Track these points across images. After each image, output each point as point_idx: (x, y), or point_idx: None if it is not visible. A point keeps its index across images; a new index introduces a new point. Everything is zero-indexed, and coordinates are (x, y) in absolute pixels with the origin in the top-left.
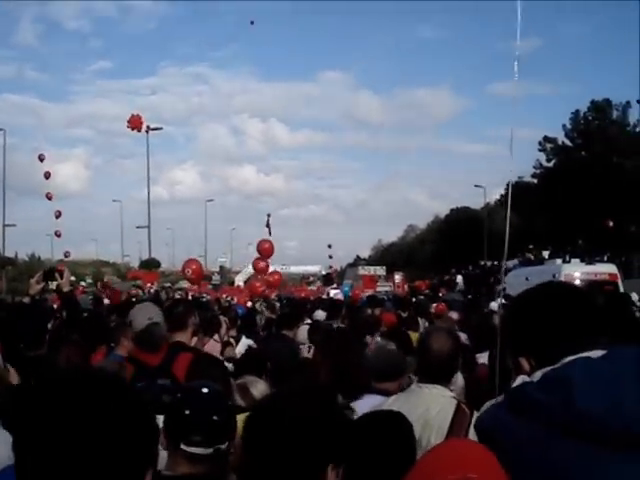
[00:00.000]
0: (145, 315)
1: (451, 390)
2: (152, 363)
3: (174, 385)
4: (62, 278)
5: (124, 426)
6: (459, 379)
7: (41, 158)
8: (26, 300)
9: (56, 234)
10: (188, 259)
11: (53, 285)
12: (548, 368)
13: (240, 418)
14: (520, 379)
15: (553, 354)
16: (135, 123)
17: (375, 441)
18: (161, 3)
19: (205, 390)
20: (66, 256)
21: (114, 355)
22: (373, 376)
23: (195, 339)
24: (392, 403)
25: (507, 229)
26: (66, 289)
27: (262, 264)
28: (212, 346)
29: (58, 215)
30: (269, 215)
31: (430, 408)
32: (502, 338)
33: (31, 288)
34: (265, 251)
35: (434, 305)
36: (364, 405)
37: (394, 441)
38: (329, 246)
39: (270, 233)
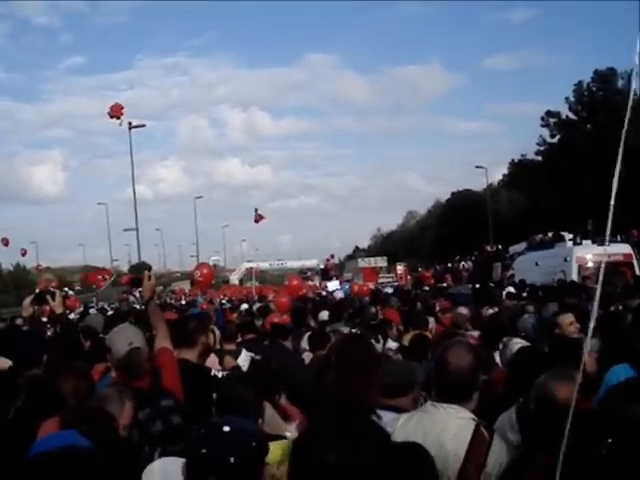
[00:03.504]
0: (125, 340)
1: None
2: (143, 386)
3: (178, 404)
4: (54, 300)
5: None
6: None
7: (4, 242)
8: (19, 322)
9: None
10: (200, 263)
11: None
12: None
13: (278, 445)
14: None
15: None
16: (116, 111)
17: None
18: None
19: (226, 428)
20: (39, 269)
21: (109, 377)
22: (383, 391)
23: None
24: (405, 423)
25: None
26: (59, 311)
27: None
28: (212, 360)
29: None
30: (256, 210)
31: (446, 430)
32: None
33: (24, 310)
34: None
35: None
36: None
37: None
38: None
39: (257, 222)
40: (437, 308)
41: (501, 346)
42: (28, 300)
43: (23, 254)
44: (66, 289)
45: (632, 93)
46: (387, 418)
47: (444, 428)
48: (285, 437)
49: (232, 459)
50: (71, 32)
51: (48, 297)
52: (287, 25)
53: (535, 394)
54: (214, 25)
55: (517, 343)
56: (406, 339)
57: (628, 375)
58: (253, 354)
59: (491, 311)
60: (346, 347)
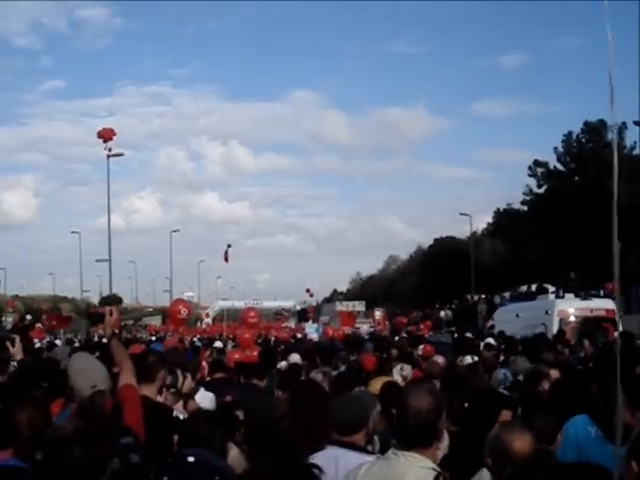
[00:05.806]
0: (88, 382)
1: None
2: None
3: (138, 443)
4: (14, 346)
5: None
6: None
7: None
8: None
9: None
10: (176, 299)
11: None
12: None
13: None
14: None
15: None
16: (106, 134)
17: None
18: (116, 18)
19: (191, 459)
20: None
21: (68, 410)
22: (337, 429)
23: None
24: (366, 472)
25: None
26: (18, 358)
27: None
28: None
29: None
30: (229, 246)
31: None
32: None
33: None
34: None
35: (421, 347)
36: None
37: None
38: (308, 291)
39: (226, 260)
40: (420, 353)
41: None
42: None
43: None
44: (29, 317)
45: None
46: (348, 458)
47: (403, 477)
48: None
49: None
50: (52, 55)
51: (8, 344)
52: (273, 60)
53: (490, 447)
54: (199, 56)
55: None
56: (372, 385)
57: (587, 427)
58: (212, 394)
59: (470, 360)
60: (301, 390)
